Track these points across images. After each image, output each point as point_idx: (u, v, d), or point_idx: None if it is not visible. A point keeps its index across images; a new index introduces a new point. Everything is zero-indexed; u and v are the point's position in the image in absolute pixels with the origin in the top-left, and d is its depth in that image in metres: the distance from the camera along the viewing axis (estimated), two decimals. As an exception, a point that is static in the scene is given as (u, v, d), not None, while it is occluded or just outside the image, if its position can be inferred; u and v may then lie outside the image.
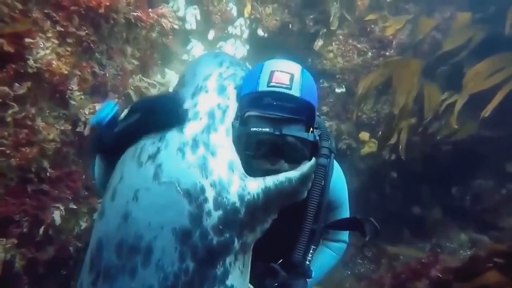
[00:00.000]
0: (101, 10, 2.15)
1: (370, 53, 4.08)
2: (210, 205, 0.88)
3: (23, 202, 2.08)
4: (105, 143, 1.07)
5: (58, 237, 2.34)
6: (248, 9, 4.12)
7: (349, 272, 3.65)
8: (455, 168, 3.93)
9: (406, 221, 4.22)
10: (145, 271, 0.81)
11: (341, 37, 4.04)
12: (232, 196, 0.91)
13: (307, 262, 1.22)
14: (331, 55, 4.10)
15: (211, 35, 4.28)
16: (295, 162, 1.13)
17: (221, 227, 0.88)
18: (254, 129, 1.09)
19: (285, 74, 1.14)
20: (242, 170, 1.00)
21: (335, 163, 1.39)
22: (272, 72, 1.14)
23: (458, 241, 4.08)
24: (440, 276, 2.50)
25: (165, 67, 4.47)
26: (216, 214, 0.88)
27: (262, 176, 1.07)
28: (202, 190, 0.88)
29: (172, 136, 0.93)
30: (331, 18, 3.72)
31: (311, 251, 1.23)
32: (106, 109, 1.08)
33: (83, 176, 2.43)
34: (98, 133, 1.10)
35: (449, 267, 2.63)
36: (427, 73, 3.55)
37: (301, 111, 1.14)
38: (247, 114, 1.13)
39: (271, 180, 1.02)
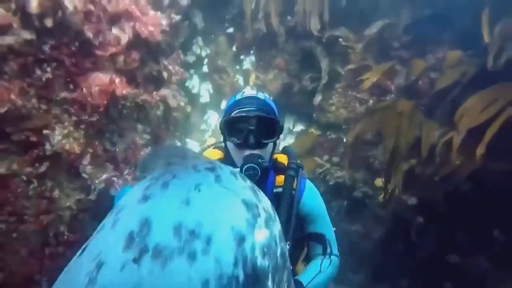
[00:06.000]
0: (101, 109, 2.67)
1: (371, 101, 4.19)
2: (261, 222, 0.86)
3: (43, 263, 2.46)
4: None
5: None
6: (252, 78, 4.63)
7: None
8: (486, 208, 3.58)
9: (443, 271, 3.80)
10: (205, 260, 0.74)
11: (340, 89, 4.26)
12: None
13: None
14: (333, 107, 4.30)
15: (223, 104, 4.82)
16: (265, 146, 1.59)
17: (265, 250, 0.85)
18: (234, 115, 1.60)
19: (252, 91, 1.74)
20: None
21: (308, 182, 1.68)
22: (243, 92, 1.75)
23: (514, 293, 3.52)
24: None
25: (186, 137, 5.00)
26: (264, 236, 0.86)
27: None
28: (256, 205, 0.89)
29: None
30: (322, 74, 4.00)
31: None
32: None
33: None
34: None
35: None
36: (426, 112, 3.53)
37: (267, 109, 1.62)
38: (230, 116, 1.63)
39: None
